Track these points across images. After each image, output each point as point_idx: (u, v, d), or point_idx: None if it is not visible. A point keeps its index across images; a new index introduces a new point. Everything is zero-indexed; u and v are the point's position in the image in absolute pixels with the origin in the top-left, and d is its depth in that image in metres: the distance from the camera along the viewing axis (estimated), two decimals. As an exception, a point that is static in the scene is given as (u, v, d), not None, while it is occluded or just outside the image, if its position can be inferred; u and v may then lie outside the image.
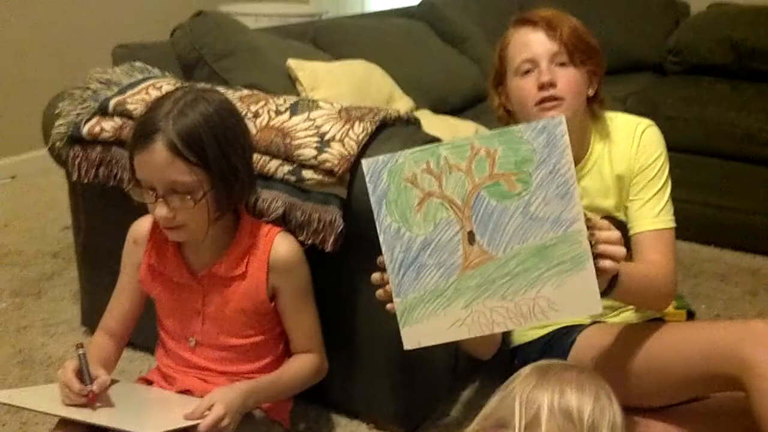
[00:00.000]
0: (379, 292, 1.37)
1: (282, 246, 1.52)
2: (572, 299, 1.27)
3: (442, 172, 1.31)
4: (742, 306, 2.21)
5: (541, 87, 1.53)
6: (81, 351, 1.40)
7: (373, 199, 1.33)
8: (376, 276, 1.38)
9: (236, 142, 1.46)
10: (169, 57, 2.05)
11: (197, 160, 1.39)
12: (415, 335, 1.34)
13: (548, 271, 1.28)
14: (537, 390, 1.14)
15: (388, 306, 1.35)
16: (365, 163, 1.32)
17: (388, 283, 1.33)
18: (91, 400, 1.37)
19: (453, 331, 1.33)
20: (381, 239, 1.34)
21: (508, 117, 1.64)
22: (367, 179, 1.32)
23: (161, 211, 1.40)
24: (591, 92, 1.60)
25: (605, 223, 1.32)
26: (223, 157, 1.42)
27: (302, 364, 1.58)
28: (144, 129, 1.41)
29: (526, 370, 1.19)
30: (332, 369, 1.65)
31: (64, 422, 1.40)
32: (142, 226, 1.59)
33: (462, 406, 1.81)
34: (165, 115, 1.40)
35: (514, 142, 1.28)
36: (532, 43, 1.55)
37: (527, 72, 1.55)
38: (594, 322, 1.62)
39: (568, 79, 1.54)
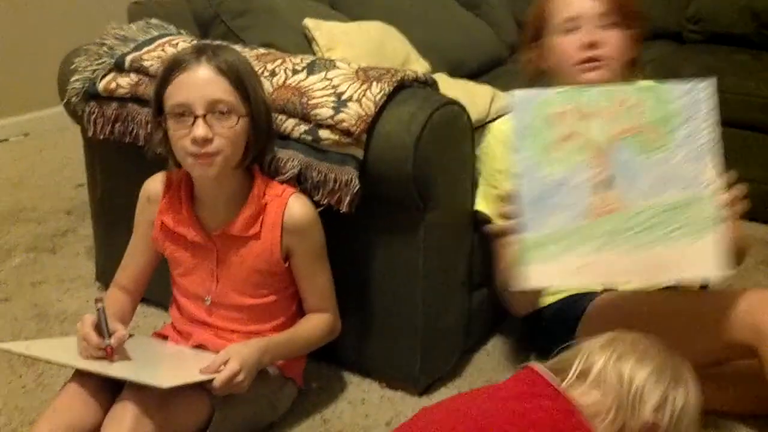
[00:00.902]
0: (500, 225, 1.38)
1: (296, 207, 1.52)
2: (698, 260, 1.28)
3: (589, 115, 1.31)
4: (756, 276, 2.21)
5: (585, 47, 1.50)
6: (100, 305, 1.41)
7: (515, 129, 1.33)
8: (504, 208, 1.37)
9: (262, 89, 1.49)
10: (185, 14, 2.04)
11: (240, 87, 1.43)
12: (533, 275, 1.32)
13: (678, 230, 1.29)
14: (600, 348, 1.17)
15: (503, 240, 1.35)
16: (517, 93, 1.32)
17: (512, 217, 1.33)
18: (109, 354, 1.38)
19: (571, 276, 1.32)
20: (517, 170, 1.33)
21: (538, 75, 1.62)
22: (514, 109, 1.32)
23: (200, 130, 1.40)
24: (631, 56, 1.58)
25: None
26: (259, 97, 1.47)
27: (316, 323, 1.59)
28: (184, 55, 1.44)
29: (603, 335, 1.22)
30: (345, 328, 1.66)
31: (79, 374, 1.41)
32: (155, 184, 1.59)
33: (474, 369, 1.82)
34: (202, 47, 1.45)
35: (662, 99, 1.30)
36: (578, 2, 1.53)
37: (570, 31, 1.53)
38: (605, 290, 1.61)
39: (611, 42, 1.52)
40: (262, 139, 1.50)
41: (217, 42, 1.59)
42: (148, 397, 1.32)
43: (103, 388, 1.39)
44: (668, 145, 1.30)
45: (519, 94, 1.33)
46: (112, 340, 1.38)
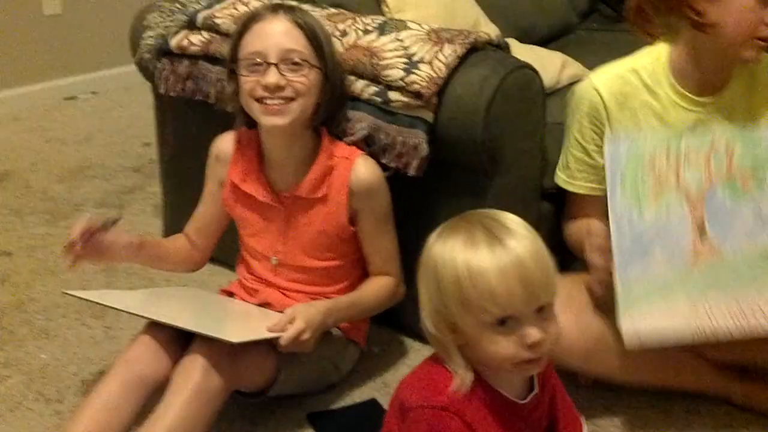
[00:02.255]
0: (596, 275, 1.35)
1: (363, 169, 1.51)
2: None
3: (681, 162, 1.33)
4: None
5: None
6: (114, 217, 1.49)
7: (609, 176, 1.33)
8: (596, 259, 1.35)
9: (335, 50, 1.50)
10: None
11: (315, 43, 1.45)
12: (635, 327, 1.29)
13: None
14: None
15: (596, 287, 1.34)
16: (607, 138, 1.33)
17: (607, 265, 1.31)
18: (72, 250, 1.44)
19: (673, 326, 1.29)
20: (611, 217, 1.33)
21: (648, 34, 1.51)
22: (606, 154, 1.33)
23: (273, 77, 1.41)
24: None
25: None
26: (334, 57, 1.48)
27: (380, 287, 1.59)
28: (262, 8, 1.47)
29: None
30: (408, 294, 1.65)
31: (150, 326, 1.44)
32: (225, 143, 1.60)
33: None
34: (279, 3, 1.48)
35: (753, 144, 1.31)
36: None
37: None
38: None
39: None
40: (334, 100, 1.50)
41: (293, 2, 1.58)
42: (217, 351, 1.34)
43: (173, 342, 1.42)
44: (762, 190, 1.31)
45: (609, 139, 1.34)
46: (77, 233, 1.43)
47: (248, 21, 1.46)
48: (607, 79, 1.49)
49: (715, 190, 1.33)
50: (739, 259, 1.30)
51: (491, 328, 1.01)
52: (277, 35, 1.43)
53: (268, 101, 1.43)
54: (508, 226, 1.05)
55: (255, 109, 1.45)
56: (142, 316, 1.44)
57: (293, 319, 1.40)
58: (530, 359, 1.02)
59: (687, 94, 1.45)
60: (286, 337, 1.38)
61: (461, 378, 1.05)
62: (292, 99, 1.43)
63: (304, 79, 1.43)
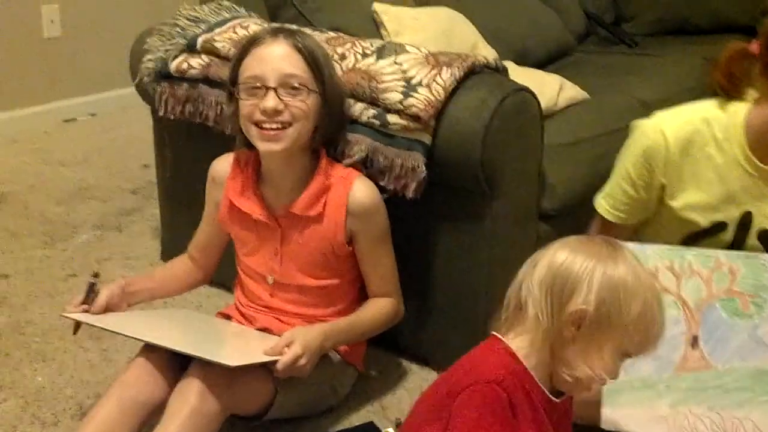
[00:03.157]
0: None
1: (361, 190, 1.52)
2: None
3: (683, 274, 1.39)
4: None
5: None
6: (93, 280, 1.49)
7: None
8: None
9: (336, 74, 1.50)
10: (256, -3, 2.05)
11: (314, 67, 1.45)
12: (614, 418, 1.37)
13: (763, 396, 1.33)
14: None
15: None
16: None
17: None
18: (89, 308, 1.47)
19: (652, 425, 1.36)
20: None
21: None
22: None
23: (270, 102, 1.42)
24: None
25: None
26: (333, 80, 1.49)
27: (379, 308, 1.58)
28: (263, 32, 1.48)
29: None
30: (406, 316, 1.65)
31: (146, 350, 1.44)
32: (221, 165, 1.60)
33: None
34: (280, 27, 1.48)
35: (758, 268, 1.37)
36: None
37: None
38: None
39: None
40: (334, 124, 1.51)
41: (293, 26, 1.60)
42: (214, 375, 1.34)
43: (170, 365, 1.41)
44: (761, 313, 1.36)
45: (631, 246, 1.36)
46: (94, 307, 1.47)
47: (248, 44, 1.47)
48: (676, 124, 1.47)
49: (714, 306, 1.38)
50: (727, 375, 1.36)
51: (616, 354, 1.07)
52: (276, 59, 1.43)
53: (266, 125, 1.43)
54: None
55: (253, 133, 1.46)
56: (140, 339, 1.43)
57: (291, 342, 1.40)
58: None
59: (753, 158, 1.43)
60: (282, 362, 1.37)
61: (530, 360, 1.08)
62: (288, 124, 1.43)
63: (303, 104, 1.44)
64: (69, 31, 3.23)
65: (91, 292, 1.49)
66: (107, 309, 1.49)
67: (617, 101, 2.16)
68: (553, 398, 1.12)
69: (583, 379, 1.07)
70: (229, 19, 1.82)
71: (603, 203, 1.57)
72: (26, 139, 3.07)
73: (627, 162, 1.52)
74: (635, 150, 1.50)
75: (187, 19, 1.83)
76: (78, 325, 1.48)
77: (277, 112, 1.42)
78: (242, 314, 1.61)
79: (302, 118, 1.44)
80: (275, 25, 1.56)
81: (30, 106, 3.19)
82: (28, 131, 3.12)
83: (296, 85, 1.43)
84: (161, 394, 1.38)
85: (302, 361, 1.39)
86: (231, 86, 1.49)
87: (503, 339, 1.12)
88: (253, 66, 1.44)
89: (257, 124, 1.44)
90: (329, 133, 1.51)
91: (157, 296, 1.69)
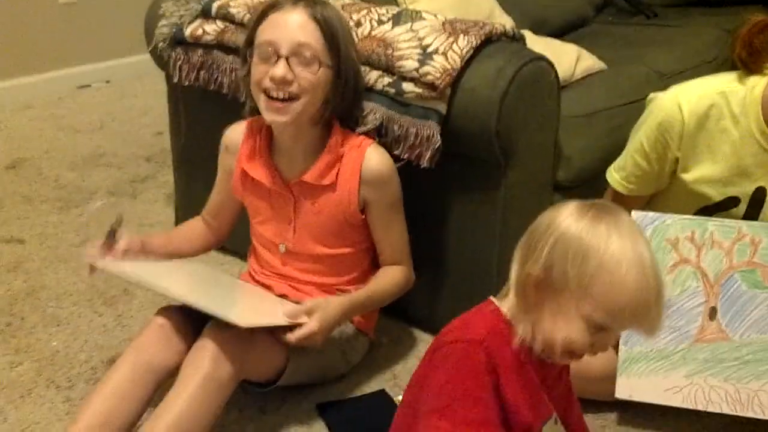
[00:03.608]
0: None
1: (374, 158, 1.51)
2: None
3: (704, 245, 1.39)
4: None
5: None
6: (115, 226, 1.48)
7: None
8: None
9: (353, 45, 1.49)
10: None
11: (330, 38, 1.42)
12: (629, 387, 1.39)
13: None
14: None
15: None
16: (634, 215, 1.38)
17: None
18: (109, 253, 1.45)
19: (667, 395, 1.38)
20: None
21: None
22: None
23: (280, 70, 1.40)
24: None
25: None
26: (349, 52, 1.46)
27: (392, 277, 1.58)
28: None
29: None
30: (418, 285, 1.65)
31: (161, 313, 1.45)
32: (234, 133, 1.60)
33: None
34: None
35: None
36: None
37: None
38: None
39: None
40: (347, 98, 1.49)
41: None
42: (228, 340, 1.34)
43: (184, 329, 1.42)
44: None
45: (636, 215, 1.38)
46: (114, 252, 1.46)
47: (267, 8, 1.45)
48: (692, 98, 1.45)
49: (734, 277, 1.38)
50: (745, 347, 1.36)
51: (582, 322, 1.02)
52: (291, 27, 1.41)
53: (273, 94, 1.41)
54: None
55: (261, 101, 1.44)
56: (153, 288, 1.43)
57: (310, 313, 1.40)
58: (579, 357, 1.06)
59: None
60: (297, 335, 1.38)
61: (524, 336, 1.06)
62: (295, 97, 1.42)
63: (312, 77, 1.41)
64: (83, -3, 3.22)
65: (112, 237, 1.48)
66: (125, 258, 1.48)
67: (635, 72, 2.13)
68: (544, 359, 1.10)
69: (555, 346, 1.04)
70: (245, -15, 1.80)
71: (615, 175, 1.57)
72: (41, 105, 3.08)
73: (642, 135, 1.51)
74: (651, 123, 1.49)
75: (203, -16, 1.81)
76: (93, 268, 1.47)
77: (285, 82, 1.40)
78: (256, 281, 1.62)
79: (310, 91, 1.42)
80: None
81: (44, 72, 3.19)
82: (43, 97, 3.12)
83: (308, 55, 1.41)
84: (174, 358, 1.39)
85: (317, 337, 1.40)
86: (246, 47, 1.48)
87: (495, 301, 1.12)
88: (269, 31, 1.42)
89: (266, 92, 1.42)
90: (342, 107, 1.50)
91: (172, 256, 1.67)
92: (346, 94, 1.48)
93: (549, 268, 1.02)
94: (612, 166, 1.60)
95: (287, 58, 1.40)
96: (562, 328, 1.03)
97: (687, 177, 1.48)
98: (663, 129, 1.47)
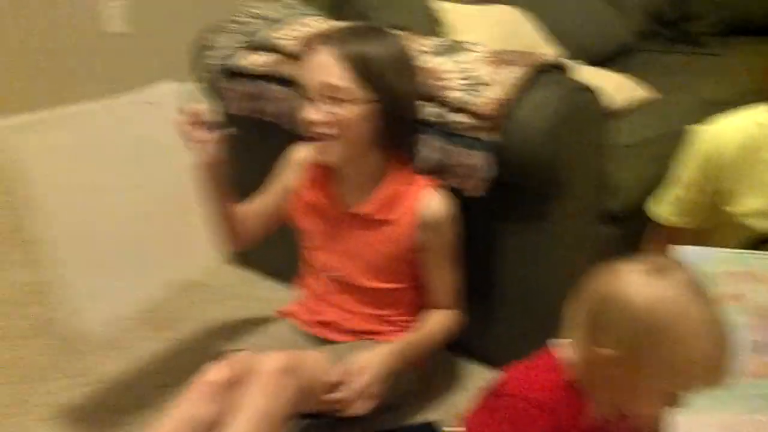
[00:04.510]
0: None
1: (434, 201, 1.51)
2: None
3: (751, 279, 1.37)
4: None
5: None
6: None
7: None
8: None
9: (408, 77, 1.49)
10: (317, -6, 2.06)
11: (362, 74, 1.42)
12: (680, 423, 1.31)
13: None
14: None
15: None
16: (680, 250, 1.35)
17: None
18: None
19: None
20: None
21: None
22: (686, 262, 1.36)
23: (311, 113, 1.42)
24: None
25: None
26: (392, 85, 1.45)
27: (441, 324, 1.58)
28: (317, 36, 1.47)
29: None
30: (472, 316, 1.64)
31: (209, 367, 1.41)
32: (300, 153, 1.62)
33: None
34: (341, 29, 1.47)
35: None
36: None
37: None
38: None
39: None
40: (396, 127, 1.49)
41: (369, 25, 1.58)
42: (284, 373, 1.34)
43: (232, 383, 1.37)
44: None
45: (683, 251, 1.35)
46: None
47: (305, 51, 1.48)
48: (731, 130, 1.46)
49: None
50: None
51: (664, 395, 1.02)
52: (318, 68, 1.43)
53: (312, 134, 1.45)
54: None
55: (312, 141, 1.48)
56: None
57: (360, 370, 1.41)
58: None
59: None
60: (352, 389, 1.40)
61: (597, 407, 1.04)
62: (332, 136, 1.43)
63: (346, 116, 1.42)
64: (132, 27, 3.29)
65: (214, 126, 1.49)
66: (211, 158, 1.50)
67: (682, 101, 2.12)
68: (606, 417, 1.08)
69: (631, 416, 1.04)
70: (291, 16, 1.83)
71: (657, 209, 1.57)
72: (89, 134, 3.14)
73: (683, 167, 1.52)
74: (690, 156, 1.50)
75: (251, 16, 1.85)
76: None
77: (318, 124, 1.43)
78: (306, 308, 1.62)
79: (345, 129, 1.43)
80: (343, 26, 1.54)
81: (92, 99, 3.26)
82: (92, 126, 3.19)
83: (336, 95, 1.41)
84: (222, 413, 1.34)
85: (371, 390, 1.42)
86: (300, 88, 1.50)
87: (560, 349, 1.10)
88: (305, 74, 1.46)
89: (308, 132, 1.46)
90: (391, 137, 1.50)
91: (217, 219, 1.62)
92: (392, 124, 1.48)
93: (621, 346, 1.00)
94: (654, 198, 1.60)
95: (318, 100, 1.42)
96: (637, 402, 1.03)
97: (731, 210, 1.47)
98: (704, 162, 1.47)
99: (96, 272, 1.44)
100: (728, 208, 1.48)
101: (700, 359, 0.98)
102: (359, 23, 1.57)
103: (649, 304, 0.98)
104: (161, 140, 1.49)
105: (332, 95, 1.41)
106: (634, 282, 1.00)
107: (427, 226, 1.50)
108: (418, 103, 1.57)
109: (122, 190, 1.46)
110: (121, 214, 1.48)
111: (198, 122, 1.48)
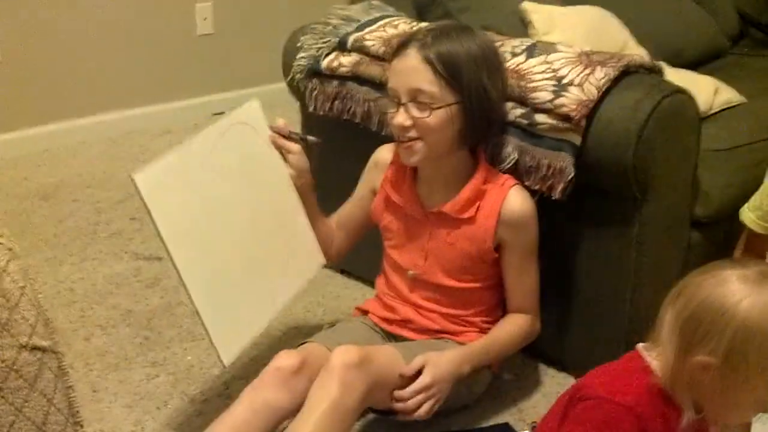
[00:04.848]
0: None
1: (516, 200, 1.50)
2: None
3: None
4: None
5: None
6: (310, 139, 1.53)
7: None
8: None
9: (494, 76, 1.48)
10: (405, -5, 2.07)
11: (448, 76, 1.42)
12: None
13: None
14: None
15: None
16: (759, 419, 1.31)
17: None
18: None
19: None
20: None
21: None
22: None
23: (398, 118, 1.44)
24: None
25: None
26: (478, 85, 1.45)
27: (517, 326, 1.57)
28: (404, 39, 1.48)
29: None
30: (546, 320, 1.63)
31: (282, 354, 1.45)
32: (385, 151, 1.64)
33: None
34: (427, 30, 1.47)
35: None
36: None
37: None
38: None
39: None
40: (480, 127, 1.49)
41: (456, 25, 1.58)
42: (357, 364, 1.35)
43: (305, 370, 1.42)
44: None
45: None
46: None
47: (392, 54, 1.49)
48: None
49: None
50: None
51: (754, 405, 0.99)
52: (404, 73, 1.44)
53: (401, 137, 1.46)
54: None
55: (397, 143, 1.49)
56: (170, 256, 1.30)
57: (422, 367, 1.42)
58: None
59: None
60: (411, 389, 1.40)
61: (688, 416, 1.02)
62: (420, 139, 1.45)
63: (431, 119, 1.43)
64: (221, 29, 3.38)
65: (301, 139, 1.53)
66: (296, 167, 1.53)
67: (773, 107, 2.05)
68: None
69: (730, 427, 1.02)
70: (379, 18, 1.85)
71: (751, 215, 1.53)
72: (178, 131, 3.23)
73: None
74: None
75: (339, 18, 1.87)
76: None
77: (404, 128, 1.44)
78: (383, 305, 1.64)
79: (431, 133, 1.44)
80: (428, 26, 1.54)
81: (182, 99, 3.37)
82: (180, 123, 3.28)
83: (422, 100, 1.43)
84: (295, 401, 1.38)
85: (431, 392, 1.42)
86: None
87: (647, 355, 1.08)
88: (391, 78, 1.48)
89: (395, 137, 1.47)
90: (475, 136, 1.50)
91: (314, 224, 1.62)
92: (478, 124, 1.48)
93: (727, 356, 0.97)
94: (746, 204, 1.56)
95: (406, 104, 1.44)
96: (738, 412, 1.00)
97: None
98: None
99: (226, 296, 1.39)
100: None
101: None
102: (447, 23, 1.57)
103: (748, 311, 0.96)
104: (264, 157, 1.51)
105: (420, 99, 1.43)
106: (734, 288, 0.98)
107: (508, 224, 1.50)
108: (506, 103, 1.56)
109: (240, 209, 1.44)
110: (243, 233, 1.45)
111: (286, 135, 1.52)
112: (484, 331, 1.60)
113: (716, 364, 0.97)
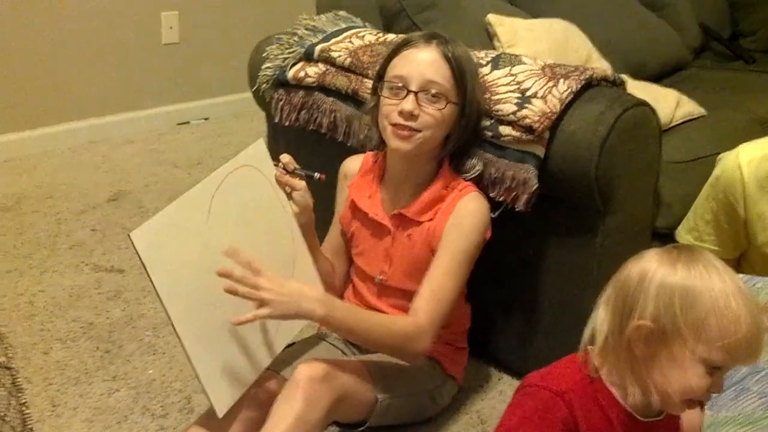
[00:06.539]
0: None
1: (470, 203, 1.51)
2: None
3: None
4: None
5: None
6: (316, 175, 1.48)
7: None
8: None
9: (480, 93, 1.51)
10: (371, 6, 2.07)
11: (459, 78, 1.46)
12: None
13: None
14: None
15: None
16: None
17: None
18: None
19: None
20: None
21: None
22: None
23: (409, 104, 1.44)
24: None
25: None
26: (474, 94, 1.49)
27: (398, 322, 1.45)
28: (418, 35, 1.49)
29: None
30: (510, 330, 1.63)
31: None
32: (352, 163, 1.65)
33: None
34: (436, 34, 1.49)
35: None
36: None
37: None
38: None
39: None
40: (465, 136, 1.51)
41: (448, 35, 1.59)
42: (322, 378, 1.34)
43: (256, 397, 1.40)
44: None
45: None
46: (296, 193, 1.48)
47: (401, 44, 1.49)
48: (753, 159, 1.45)
49: None
50: None
51: (698, 365, 1.01)
52: (423, 64, 1.45)
53: (400, 125, 1.45)
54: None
55: (387, 130, 1.48)
56: (166, 310, 1.24)
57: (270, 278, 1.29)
58: (700, 403, 1.05)
59: None
60: (244, 277, 1.28)
61: (633, 394, 1.06)
62: (421, 128, 1.45)
63: (438, 113, 1.45)
64: (186, 38, 3.35)
65: (307, 176, 1.49)
66: (300, 204, 1.49)
67: (735, 118, 2.08)
68: (638, 417, 1.08)
69: (673, 396, 1.03)
70: (346, 29, 1.85)
71: (687, 236, 1.57)
72: (142, 140, 3.21)
73: (708, 194, 1.52)
74: (715, 183, 1.50)
75: (305, 29, 1.87)
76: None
77: (412, 116, 1.44)
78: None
79: (433, 126, 1.45)
80: (434, 31, 1.55)
81: (146, 109, 3.33)
82: (144, 132, 3.26)
83: (436, 92, 1.44)
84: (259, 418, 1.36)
85: (265, 289, 1.27)
86: (377, 81, 1.52)
87: (589, 352, 1.11)
88: (400, 66, 1.47)
89: (393, 124, 1.46)
90: (460, 144, 1.52)
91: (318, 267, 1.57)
92: (465, 132, 1.50)
93: (657, 319, 1.01)
94: (680, 227, 1.59)
95: (416, 94, 1.44)
96: (678, 377, 1.02)
97: (756, 241, 1.45)
98: (725, 190, 1.47)
99: (221, 349, 1.33)
100: (753, 240, 1.46)
101: (738, 326, 0.98)
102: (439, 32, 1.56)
103: (666, 274, 1.01)
104: (267, 200, 1.46)
105: (431, 91, 1.44)
106: (653, 259, 1.04)
107: (452, 222, 1.49)
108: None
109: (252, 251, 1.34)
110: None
111: (291, 171, 1.49)
112: (450, 342, 1.60)
113: (649, 325, 1.01)
